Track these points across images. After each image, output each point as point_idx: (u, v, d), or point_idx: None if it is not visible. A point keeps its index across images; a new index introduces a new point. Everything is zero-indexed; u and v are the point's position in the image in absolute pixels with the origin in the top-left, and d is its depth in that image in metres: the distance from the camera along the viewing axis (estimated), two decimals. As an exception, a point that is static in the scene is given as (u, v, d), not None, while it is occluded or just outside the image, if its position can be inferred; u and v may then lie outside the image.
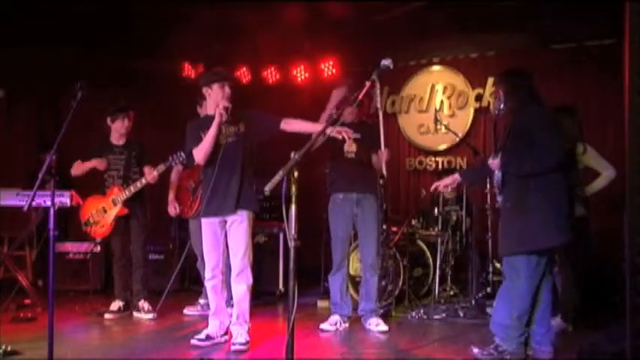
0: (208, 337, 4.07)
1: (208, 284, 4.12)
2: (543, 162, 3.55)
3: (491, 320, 3.87)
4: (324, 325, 4.63)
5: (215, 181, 4.00)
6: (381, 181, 4.89)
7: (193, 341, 4.05)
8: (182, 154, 4.85)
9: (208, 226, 4.07)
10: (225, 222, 4.05)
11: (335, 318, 4.67)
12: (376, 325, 4.60)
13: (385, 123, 4.79)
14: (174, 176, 5.35)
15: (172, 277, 4.31)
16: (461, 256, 6.00)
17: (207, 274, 4.10)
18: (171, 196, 5.31)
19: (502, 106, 3.73)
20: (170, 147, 4.90)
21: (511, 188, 3.73)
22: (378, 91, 4.76)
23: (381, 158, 4.57)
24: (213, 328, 4.12)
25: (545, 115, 3.69)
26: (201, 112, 5.05)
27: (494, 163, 3.79)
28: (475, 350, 3.82)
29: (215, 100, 4.03)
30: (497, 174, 3.83)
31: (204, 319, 4.73)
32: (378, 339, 4.41)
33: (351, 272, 5.66)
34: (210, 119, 4.02)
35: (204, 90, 4.09)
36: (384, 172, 4.61)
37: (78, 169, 5.16)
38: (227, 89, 4.06)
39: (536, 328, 3.74)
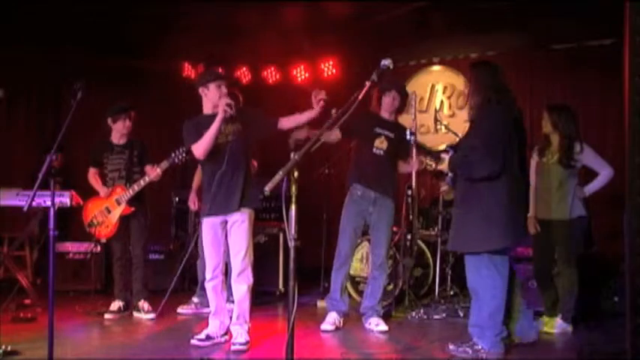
0: (208, 337, 4.07)
1: (209, 285, 4.11)
2: (483, 168, 3.61)
3: (468, 325, 3.89)
4: (324, 326, 4.60)
5: (219, 180, 3.97)
6: (410, 192, 4.91)
7: (193, 341, 4.05)
8: (183, 150, 4.86)
9: (210, 226, 4.07)
10: (226, 222, 4.05)
11: (333, 316, 4.65)
12: (376, 325, 4.59)
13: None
14: (196, 180, 5.42)
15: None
16: (461, 256, 5.99)
17: (208, 275, 4.09)
18: (192, 195, 5.51)
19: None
20: (170, 147, 4.90)
21: (459, 187, 3.82)
22: (413, 102, 4.77)
23: (413, 167, 4.66)
24: (213, 328, 4.12)
25: (497, 120, 3.69)
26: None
27: (443, 165, 3.87)
28: (451, 347, 3.86)
29: (212, 100, 4.03)
30: (449, 173, 3.91)
31: (202, 318, 4.73)
32: (378, 339, 4.41)
33: (351, 272, 5.66)
34: (208, 119, 3.99)
35: (201, 90, 4.08)
36: (413, 182, 4.65)
37: (92, 181, 5.19)
38: (224, 88, 4.07)
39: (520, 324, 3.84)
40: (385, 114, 4.77)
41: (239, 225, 4.00)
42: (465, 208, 3.74)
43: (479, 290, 3.75)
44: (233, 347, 3.93)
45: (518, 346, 3.91)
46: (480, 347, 3.71)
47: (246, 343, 3.95)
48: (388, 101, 4.74)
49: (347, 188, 4.76)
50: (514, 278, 3.89)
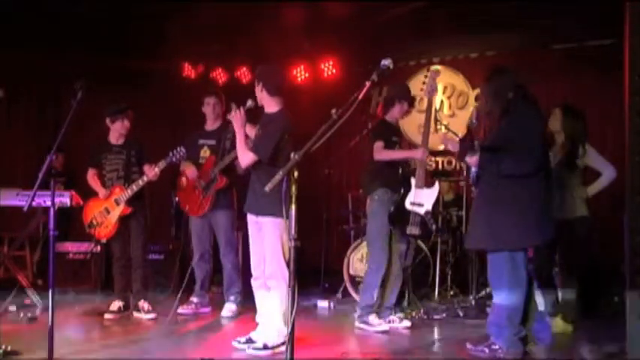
0: (265, 347, 3.83)
1: (252, 284, 4.10)
2: (521, 166, 3.58)
3: (486, 324, 3.89)
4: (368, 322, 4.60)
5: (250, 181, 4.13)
6: None
7: (249, 351, 3.85)
8: (182, 149, 4.89)
9: (248, 222, 4.11)
10: (258, 223, 4.04)
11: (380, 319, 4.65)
12: (400, 322, 4.66)
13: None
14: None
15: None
16: (461, 256, 6.00)
17: (253, 272, 4.09)
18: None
19: (475, 120, 3.74)
20: (170, 147, 4.90)
21: (486, 184, 3.78)
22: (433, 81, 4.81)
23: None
24: (270, 337, 3.89)
25: (529, 118, 3.68)
26: (205, 111, 5.28)
27: (472, 160, 3.80)
28: (469, 346, 3.87)
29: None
30: (474, 169, 3.86)
31: (201, 318, 4.73)
32: (377, 339, 4.41)
33: (350, 272, 5.67)
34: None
35: None
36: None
37: (92, 182, 5.19)
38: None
39: (535, 326, 3.81)
40: (393, 120, 4.82)
41: (264, 229, 3.97)
42: (493, 206, 3.69)
43: (502, 289, 3.72)
44: (247, 349, 3.84)
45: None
46: (497, 347, 3.71)
47: (264, 347, 3.80)
48: (401, 110, 4.83)
49: (366, 194, 4.80)
50: (532, 279, 3.88)
